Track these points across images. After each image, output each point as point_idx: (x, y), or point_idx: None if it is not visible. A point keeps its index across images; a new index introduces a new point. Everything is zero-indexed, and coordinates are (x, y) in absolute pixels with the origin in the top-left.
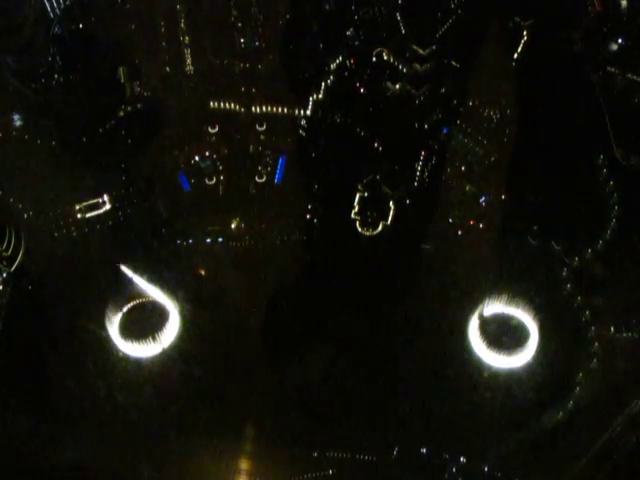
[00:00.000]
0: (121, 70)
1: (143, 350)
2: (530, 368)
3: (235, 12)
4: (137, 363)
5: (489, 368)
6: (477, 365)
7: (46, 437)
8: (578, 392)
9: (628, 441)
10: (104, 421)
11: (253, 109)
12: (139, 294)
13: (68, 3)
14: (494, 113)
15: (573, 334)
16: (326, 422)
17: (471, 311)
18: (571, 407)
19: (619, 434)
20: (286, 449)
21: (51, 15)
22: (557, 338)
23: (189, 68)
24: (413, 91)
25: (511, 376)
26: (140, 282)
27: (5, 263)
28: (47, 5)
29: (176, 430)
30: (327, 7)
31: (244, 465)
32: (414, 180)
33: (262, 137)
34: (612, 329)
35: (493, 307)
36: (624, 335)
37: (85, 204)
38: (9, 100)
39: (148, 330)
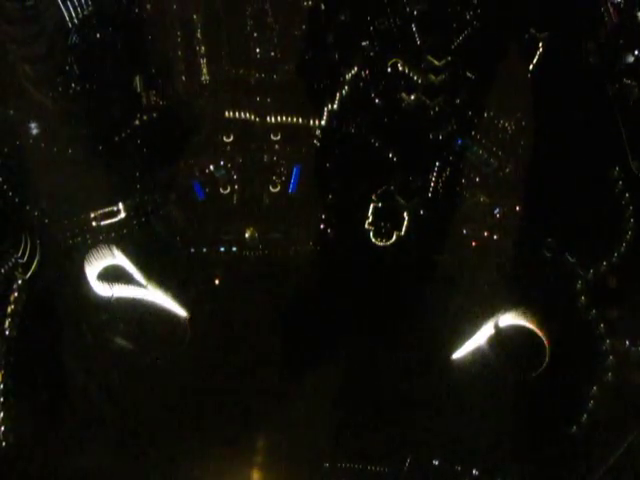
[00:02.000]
0: (137, 79)
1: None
2: (545, 382)
3: (251, 22)
4: (151, 372)
5: (503, 381)
6: (491, 378)
7: (58, 443)
8: (593, 406)
9: None
10: (118, 430)
11: (268, 119)
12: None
13: (86, 13)
14: (509, 124)
15: (588, 347)
16: (338, 433)
17: (486, 323)
18: (586, 421)
19: (635, 448)
20: (298, 459)
21: (69, 25)
22: (571, 351)
23: (205, 78)
24: (428, 102)
25: (525, 390)
26: (152, 289)
27: (21, 270)
28: (65, 15)
29: (188, 442)
30: (342, 18)
31: (256, 476)
32: (428, 191)
33: (277, 147)
34: (627, 342)
35: (507, 319)
36: (639, 348)
37: (100, 212)
38: (27, 108)
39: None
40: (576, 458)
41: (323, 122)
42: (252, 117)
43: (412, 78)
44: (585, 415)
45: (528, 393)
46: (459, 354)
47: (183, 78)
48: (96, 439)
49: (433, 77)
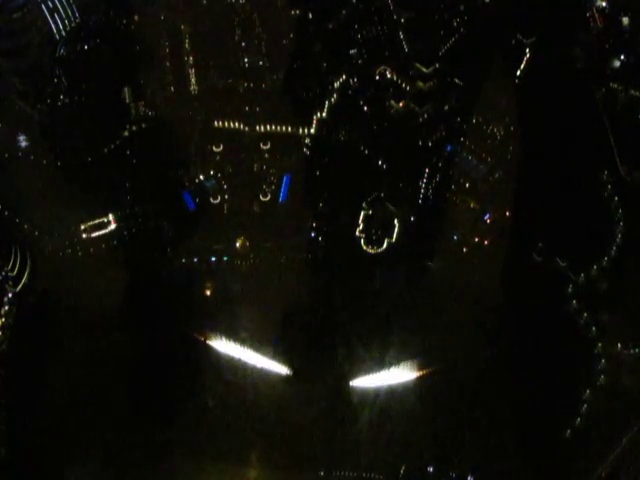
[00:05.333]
0: (126, 90)
1: None
2: (537, 386)
3: (239, 32)
4: (143, 384)
5: (497, 385)
6: (484, 383)
7: (50, 458)
8: (586, 410)
9: (637, 459)
10: (113, 443)
11: (257, 128)
12: None
13: (73, 25)
14: (497, 130)
15: (580, 351)
16: (333, 441)
17: (478, 329)
18: (579, 425)
19: (628, 452)
20: (292, 468)
21: (57, 37)
22: (564, 355)
23: (193, 88)
24: (417, 109)
25: (519, 394)
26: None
27: (11, 283)
28: (53, 27)
29: (183, 456)
30: (330, 26)
31: None
32: (418, 198)
33: (266, 156)
34: (619, 345)
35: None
36: (631, 352)
37: (90, 224)
38: (15, 121)
39: None
40: (571, 462)
41: (312, 130)
42: (241, 126)
43: (400, 85)
44: (579, 419)
45: (521, 398)
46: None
47: (172, 88)
48: (89, 455)
49: (421, 84)
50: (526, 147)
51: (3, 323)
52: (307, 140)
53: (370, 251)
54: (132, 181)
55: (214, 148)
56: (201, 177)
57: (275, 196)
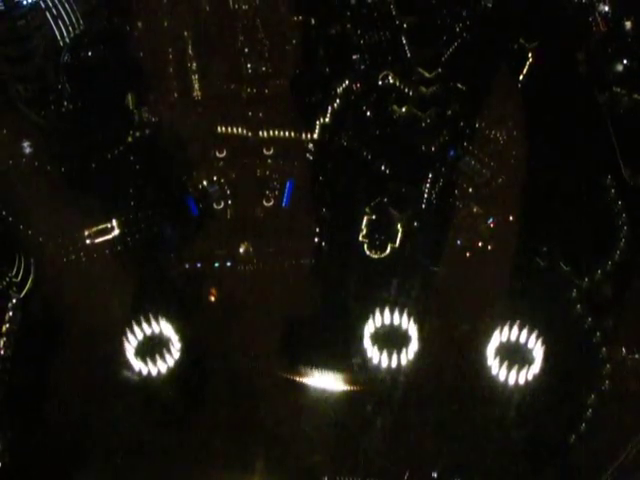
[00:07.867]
0: (129, 97)
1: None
2: (542, 392)
3: (242, 38)
4: (148, 390)
5: (502, 392)
6: (490, 389)
7: (54, 464)
8: (591, 415)
9: None
10: (116, 451)
11: (260, 133)
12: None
13: (77, 32)
14: (500, 135)
15: (584, 356)
16: (336, 447)
17: (481, 334)
18: (583, 430)
19: (633, 457)
20: (297, 473)
21: (61, 44)
22: (568, 360)
23: (197, 94)
24: (419, 114)
25: (523, 400)
26: None
27: (15, 289)
28: (57, 34)
29: (188, 463)
30: (333, 32)
31: None
32: (422, 202)
33: (269, 161)
34: (623, 350)
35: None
36: (636, 356)
37: (94, 229)
38: (19, 127)
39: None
40: (576, 468)
41: (315, 136)
42: (244, 132)
43: (403, 90)
44: (583, 424)
45: (525, 403)
46: (457, 365)
47: (175, 94)
48: (94, 460)
49: (424, 89)
50: (529, 151)
51: (7, 329)
52: (310, 145)
53: (374, 256)
54: (136, 187)
55: (217, 154)
56: (204, 183)
57: (278, 201)
